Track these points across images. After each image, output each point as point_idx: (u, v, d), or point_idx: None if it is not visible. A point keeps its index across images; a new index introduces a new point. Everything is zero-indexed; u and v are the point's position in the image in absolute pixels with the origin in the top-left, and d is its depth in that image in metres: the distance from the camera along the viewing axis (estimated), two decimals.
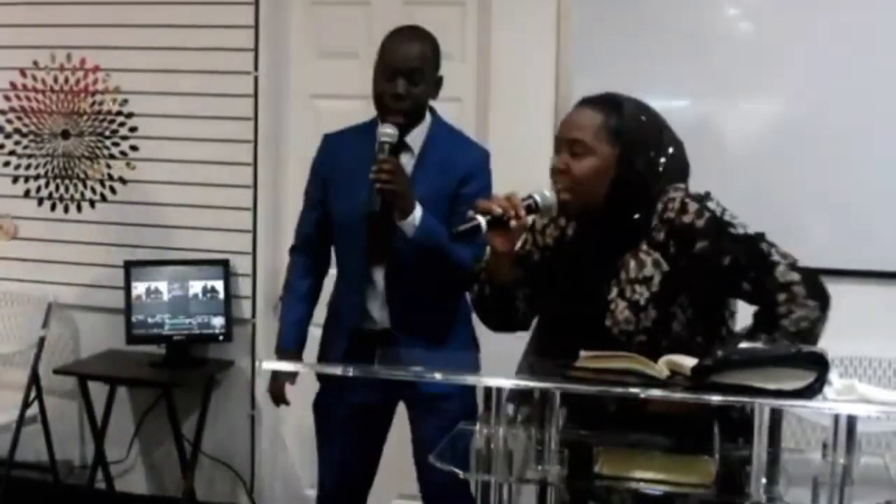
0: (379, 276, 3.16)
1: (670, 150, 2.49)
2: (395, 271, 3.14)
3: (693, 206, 2.41)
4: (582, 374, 2.19)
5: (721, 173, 3.81)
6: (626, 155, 2.42)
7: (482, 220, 2.38)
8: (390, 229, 3.04)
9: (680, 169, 2.52)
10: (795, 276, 2.35)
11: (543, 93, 4.04)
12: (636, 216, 2.43)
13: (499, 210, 2.39)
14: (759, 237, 2.41)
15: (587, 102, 2.52)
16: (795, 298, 2.33)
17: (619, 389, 2.14)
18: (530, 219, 2.47)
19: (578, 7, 4.00)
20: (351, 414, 3.24)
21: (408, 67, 3.07)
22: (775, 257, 2.38)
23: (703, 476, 2.15)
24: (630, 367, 2.16)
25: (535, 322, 2.63)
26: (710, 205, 2.43)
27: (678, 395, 2.14)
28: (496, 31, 4.14)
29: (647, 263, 2.41)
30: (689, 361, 2.14)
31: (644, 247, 2.42)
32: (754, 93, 3.92)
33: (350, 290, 3.24)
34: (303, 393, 3.39)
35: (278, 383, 3.35)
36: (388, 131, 3.05)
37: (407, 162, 3.13)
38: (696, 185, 2.52)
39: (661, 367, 2.17)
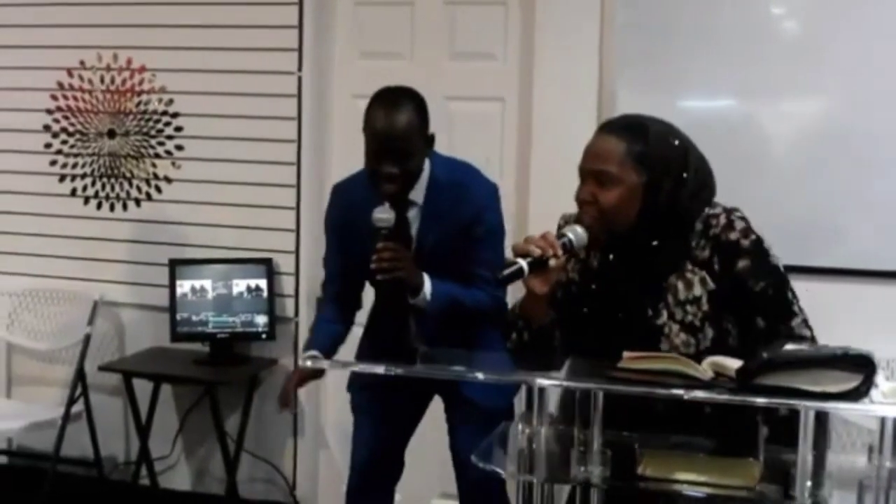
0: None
1: (696, 170, 2.41)
2: (421, 319, 3.11)
3: (740, 224, 2.38)
4: (625, 375, 2.18)
5: (764, 173, 3.80)
6: (652, 181, 2.35)
7: (524, 263, 2.28)
8: (406, 297, 3.02)
9: (709, 187, 2.45)
10: (807, 333, 2.36)
11: (587, 93, 4.02)
12: (672, 239, 2.39)
13: (538, 251, 2.30)
14: (788, 281, 2.40)
15: (609, 129, 2.43)
16: None
17: (663, 391, 2.13)
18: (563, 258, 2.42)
19: (622, 6, 3.98)
20: (385, 391, 3.22)
21: (395, 147, 2.92)
22: (796, 308, 2.38)
23: (747, 478, 2.14)
24: (673, 368, 2.15)
25: None
26: (754, 227, 2.40)
27: (723, 397, 2.13)
28: (539, 31, 4.12)
29: (694, 283, 2.38)
30: (733, 363, 2.13)
31: (689, 266, 2.39)
32: (798, 92, 3.88)
33: (384, 322, 3.25)
34: (343, 392, 3.40)
35: (294, 381, 3.23)
36: (382, 216, 2.93)
37: (413, 216, 3.09)
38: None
39: (704, 368, 2.16)
